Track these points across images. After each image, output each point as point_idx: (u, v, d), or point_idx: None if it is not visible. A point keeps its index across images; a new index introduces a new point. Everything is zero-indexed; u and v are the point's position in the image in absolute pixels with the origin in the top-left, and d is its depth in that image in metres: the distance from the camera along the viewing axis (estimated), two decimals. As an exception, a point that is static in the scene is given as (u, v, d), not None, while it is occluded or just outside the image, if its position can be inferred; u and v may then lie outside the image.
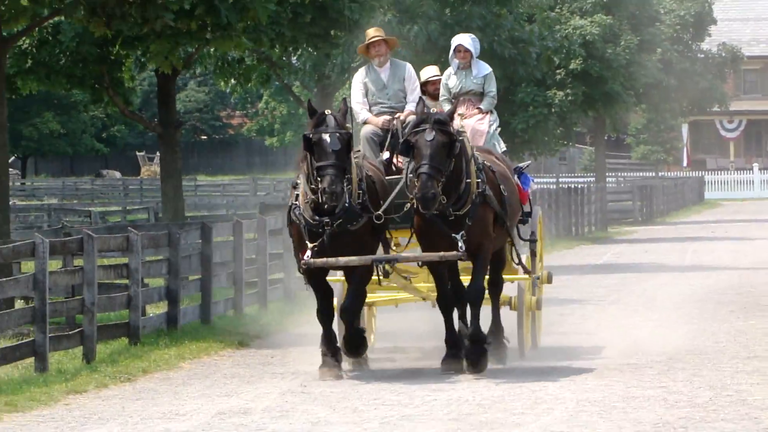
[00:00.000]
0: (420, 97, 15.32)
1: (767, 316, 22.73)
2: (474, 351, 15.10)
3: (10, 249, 17.16)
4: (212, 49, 28.94)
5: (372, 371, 16.20)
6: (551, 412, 13.72)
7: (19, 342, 16.31)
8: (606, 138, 69.68)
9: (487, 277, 15.97)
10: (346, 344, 15.43)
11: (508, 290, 17.27)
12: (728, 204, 73.53)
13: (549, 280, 18.23)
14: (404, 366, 16.48)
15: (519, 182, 16.59)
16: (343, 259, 14.56)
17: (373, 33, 16.31)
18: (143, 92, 67.86)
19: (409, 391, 14.55)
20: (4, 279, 16.23)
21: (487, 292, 15.96)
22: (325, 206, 14.27)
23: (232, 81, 33.52)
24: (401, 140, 14.90)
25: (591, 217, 52.99)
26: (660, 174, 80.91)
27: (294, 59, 35.29)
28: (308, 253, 14.47)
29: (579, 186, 57.56)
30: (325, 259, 14.56)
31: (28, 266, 18.35)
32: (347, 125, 14.92)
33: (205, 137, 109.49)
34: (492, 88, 16.48)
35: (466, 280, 15.62)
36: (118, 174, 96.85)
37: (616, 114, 60.92)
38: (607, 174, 65.62)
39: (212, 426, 12.95)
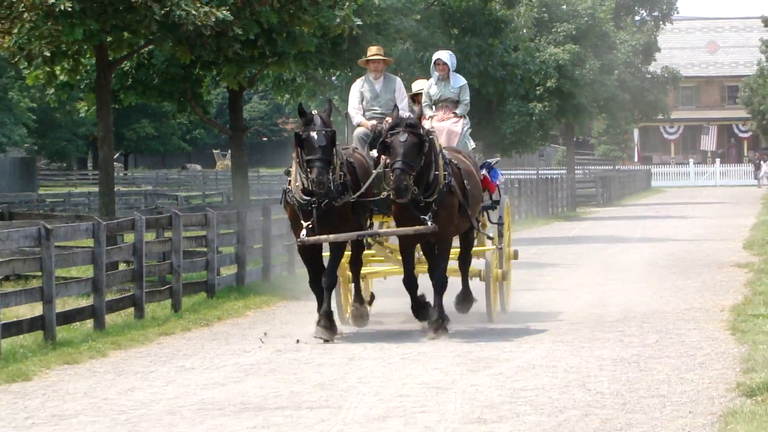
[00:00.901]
0: (395, 105, 14.34)
1: (700, 276, 22.48)
2: (437, 325, 14.08)
3: (115, 224, 17.31)
4: (270, 71, 28.96)
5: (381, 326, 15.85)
6: (533, 350, 13.75)
7: (122, 296, 16.37)
8: (575, 139, 68.98)
9: (458, 251, 15.26)
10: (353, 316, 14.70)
11: (478, 264, 16.50)
12: (669, 190, 72.76)
13: (515, 257, 17.25)
14: (400, 323, 15.70)
15: (488, 175, 15.72)
16: (332, 236, 13.61)
17: (374, 51, 15.26)
18: (218, 104, 67.50)
19: (420, 335, 14.49)
20: (111, 247, 16.15)
21: (458, 265, 15.21)
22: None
23: (287, 95, 33.22)
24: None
25: (563, 201, 52.33)
26: (617, 167, 79.72)
27: (334, 78, 35.16)
28: (303, 232, 13.54)
29: (554, 176, 57.38)
30: (316, 237, 13.66)
31: (129, 237, 18.32)
32: (331, 122, 13.93)
33: (266, 139, 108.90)
34: (466, 96, 15.46)
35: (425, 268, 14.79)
36: (199, 167, 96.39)
37: (582, 121, 60.63)
38: (575, 167, 65.02)
39: (271, 360, 13.05)
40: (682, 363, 12.44)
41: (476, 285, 16.18)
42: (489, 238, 15.53)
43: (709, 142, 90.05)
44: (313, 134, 13.18)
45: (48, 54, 21.18)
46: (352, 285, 15.16)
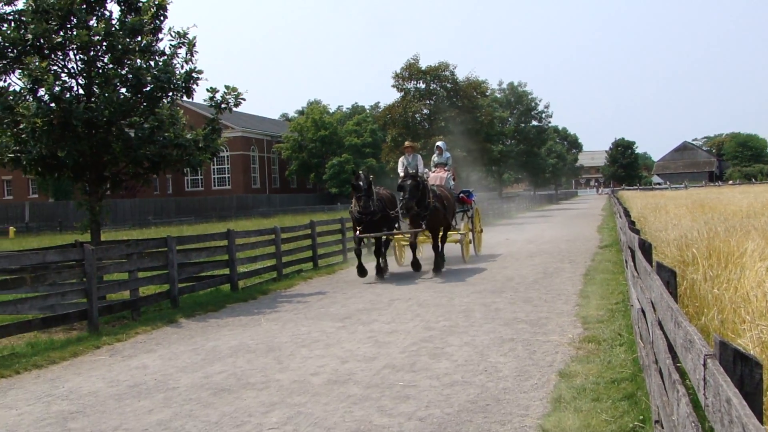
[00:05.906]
0: (409, 168, 14.54)
1: (591, 218, 32.98)
2: (438, 268, 14.31)
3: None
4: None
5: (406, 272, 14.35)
6: (507, 268, 14.23)
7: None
8: (558, 183, 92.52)
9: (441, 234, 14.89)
10: (377, 269, 14.14)
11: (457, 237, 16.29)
12: (583, 196, 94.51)
13: (482, 231, 17.26)
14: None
15: (466, 196, 15.97)
16: (370, 234, 13.55)
17: (408, 143, 15.22)
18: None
19: (450, 273, 13.74)
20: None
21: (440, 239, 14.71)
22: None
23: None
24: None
25: (554, 200, 68.72)
26: (567, 190, 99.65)
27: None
28: (358, 230, 13.50)
29: (550, 193, 74.09)
30: (365, 235, 13.63)
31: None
32: (370, 176, 14.21)
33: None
34: (450, 162, 15.86)
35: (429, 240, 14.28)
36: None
37: (560, 179, 79.13)
38: (558, 190, 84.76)
39: (387, 280, 13.46)
40: (582, 245, 17.69)
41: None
42: (456, 229, 15.27)
43: (593, 183, 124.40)
44: (360, 182, 13.23)
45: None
46: (392, 251, 15.55)
